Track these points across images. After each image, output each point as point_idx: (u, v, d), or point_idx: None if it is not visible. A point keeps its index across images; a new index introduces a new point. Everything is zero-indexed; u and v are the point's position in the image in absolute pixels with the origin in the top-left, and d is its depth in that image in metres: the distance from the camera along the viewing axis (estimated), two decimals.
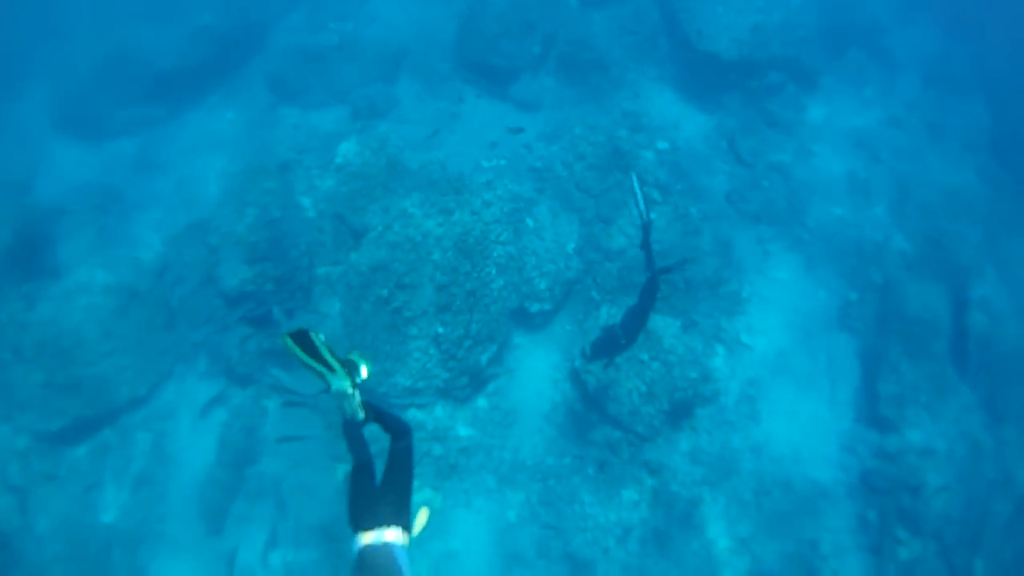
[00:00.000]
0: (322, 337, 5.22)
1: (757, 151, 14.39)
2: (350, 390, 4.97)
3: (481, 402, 11.62)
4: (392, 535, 4.33)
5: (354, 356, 5.32)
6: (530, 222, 12.25)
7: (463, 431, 11.37)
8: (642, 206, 9.11)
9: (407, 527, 4.47)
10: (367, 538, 4.30)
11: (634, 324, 8.96)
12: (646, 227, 9.03)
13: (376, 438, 5.09)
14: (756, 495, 11.55)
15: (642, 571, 10.81)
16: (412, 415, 11.37)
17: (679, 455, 11.51)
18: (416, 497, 5.37)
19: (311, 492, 11.34)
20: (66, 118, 17.51)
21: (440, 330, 10.98)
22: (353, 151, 13.19)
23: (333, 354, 5.11)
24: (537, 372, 11.81)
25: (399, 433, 4.85)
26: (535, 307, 11.84)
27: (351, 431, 4.93)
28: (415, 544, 4.49)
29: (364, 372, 5.28)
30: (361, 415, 5.01)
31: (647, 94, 15.29)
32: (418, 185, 12.27)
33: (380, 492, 4.56)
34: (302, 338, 4.97)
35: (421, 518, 4.79)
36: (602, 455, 11.18)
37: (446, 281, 11.07)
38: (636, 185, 9.14)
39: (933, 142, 15.60)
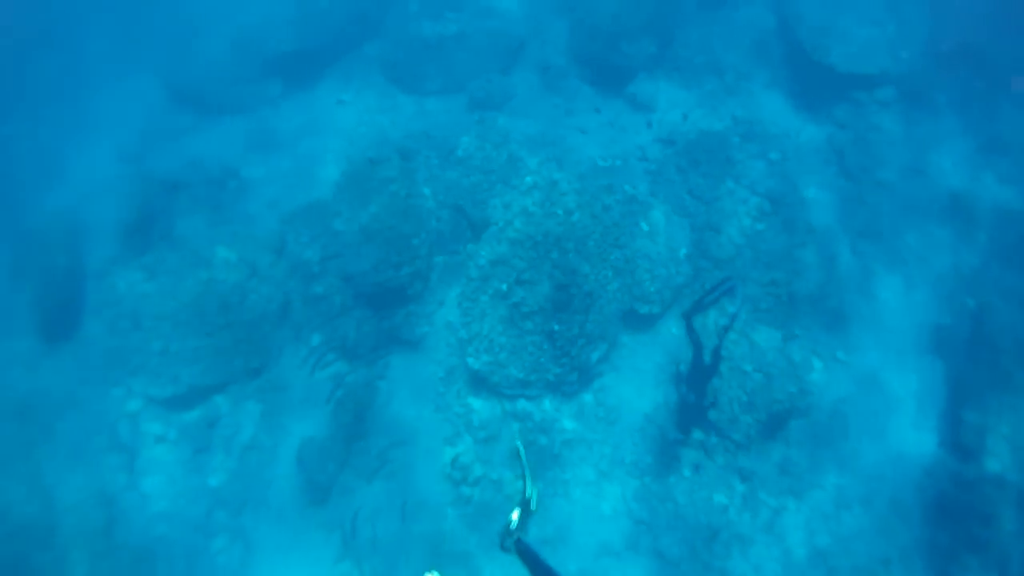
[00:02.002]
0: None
1: (865, 166, 14.49)
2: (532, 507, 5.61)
3: (587, 398, 12.20)
4: None
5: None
6: (644, 226, 12.69)
7: (568, 424, 11.98)
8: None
9: None
10: None
11: (698, 378, 10.20)
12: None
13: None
14: (837, 508, 11.96)
15: (724, 573, 11.36)
16: (521, 406, 11.99)
17: (770, 464, 11.97)
18: None
19: (415, 470, 12.03)
20: (182, 92, 18.17)
21: (556, 327, 11.55)
22: (475, 144, 13.72)
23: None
24: (642, 372, 12.31)
25: None
26: (644, 309, 12.32)
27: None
28: None
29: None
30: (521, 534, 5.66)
31: (759, 101, 15.42)
32: (538, 184, 12.74)
33: None
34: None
35: None
36: (698, 458, 11.68)
37: (565, 281, 11.62)
38: None
39: None
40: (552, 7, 17.32)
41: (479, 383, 12.15)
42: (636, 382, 12.30)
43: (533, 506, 7.11)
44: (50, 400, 12.97)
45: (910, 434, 12.75)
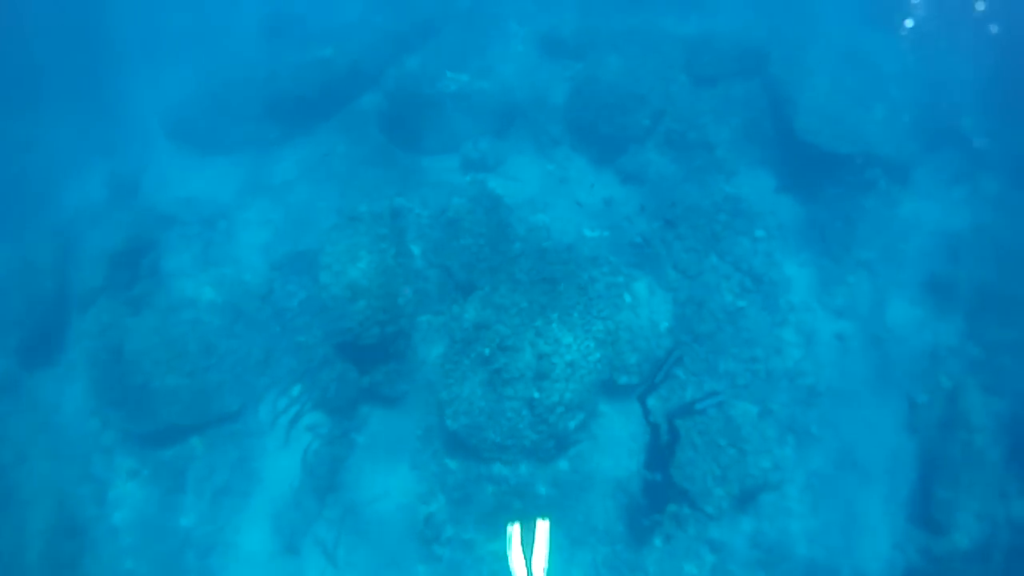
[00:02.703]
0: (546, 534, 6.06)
1: (847, 245, 14.84)
2: None
3: (562, 464, 12.30)
4: None
5: None
6: (628, 297, 12.91)
7: (542, 490, 12.08)
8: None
9: None
10: None
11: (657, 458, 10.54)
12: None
13: None
14: None
15: None
16: (497, 469, 12.12)
17: (741, 536, 12.10)
18: None
19: (388, 525, 12.11)
20: (179, 128, 18.47)
21: (536, 395, 11.74)
22: (465, 207, 14.01)
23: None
24: (618, 441, 12.43)
25: None
26: (623, 379, 12.50)
27: None
28: None
29: None
30: None
31: (747, 178, 15.79)
32: (525, 251, 13.00)
33: None
34: (527, 531, 5.72)
35: None
36: (669, 528, 11.79)
37: (548, 351, 11.83)
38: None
39: (1017, 255, 15.89)
40: (550, 75, 17.73)
41: (456, 444, 12.28)
42: (611, 451, 12.42)
43: None
44: (25, 425, 12.97)
45: (880, 507, 12.92)
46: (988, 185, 16.81)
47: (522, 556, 7.91)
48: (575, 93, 16.57)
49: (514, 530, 8.39)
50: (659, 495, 10.82)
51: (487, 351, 12.09)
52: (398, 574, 11.76)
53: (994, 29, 17.51)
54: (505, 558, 8.58)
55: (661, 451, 10.67)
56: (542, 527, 6.93)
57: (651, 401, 11.05)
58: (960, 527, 12.52)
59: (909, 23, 17.71)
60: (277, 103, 17.83)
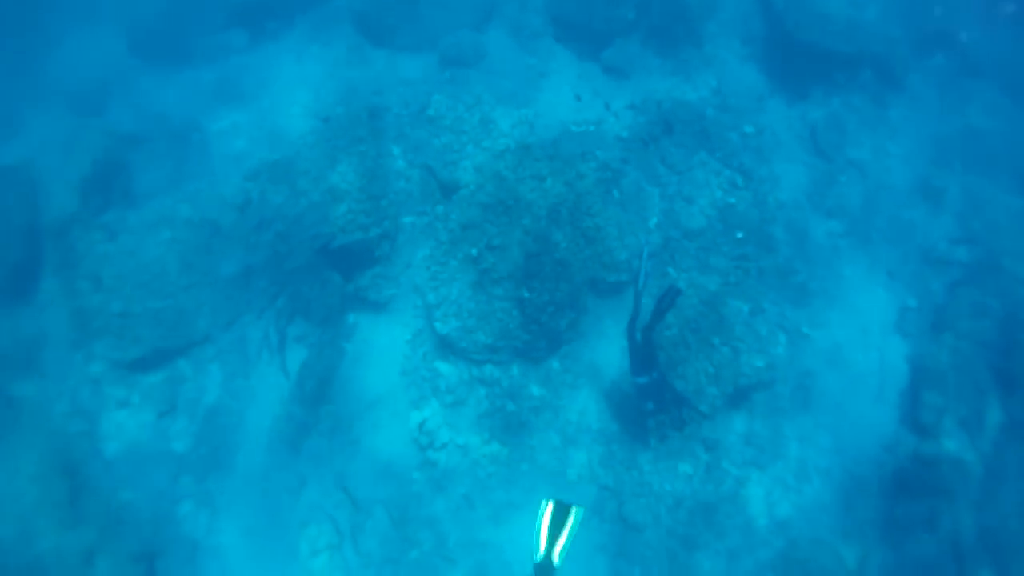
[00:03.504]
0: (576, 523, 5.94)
1: (838, 145, 14.59)
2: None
3: (554, 364, 12.16)
4: None
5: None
6: (616, 193, 12.62)
7: (535, 390, 11.96)
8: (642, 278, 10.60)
9: None
10: None
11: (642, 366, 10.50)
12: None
13: None
14: (798, 480, 12.17)
15: (686, 540, 11.51)
16: (489, 371, 11.94)
17: (734, 435, 12.12)
18: None
19: (382, 433, 11.95)
20: (143, 43, 17.44)
21: (526, 295, 11.48)
22: (446, 104, 13.48)
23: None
24: (609, 339, 12.25)
25: None
26: (612, 277, 12.27)
27: None
28: None
29: None
30: None
31: (737, 75, 15.31)
32: (510, 147, 12.58)
33: None
34: (560, 511, 5.57)
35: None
36: (664, 427, 11.74)
37: (537, 249, 11.53)
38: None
39: (1007, 161, 15.74)
40: None
41: (446, 348, 12.07)
42: (603, 350, 12.27)
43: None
44: (7, 364, 12.55)
45: (871, 410, 12.97)
46: (979, 91, 16.57)
47: (547, 531, 7.84)
48: None
49: (548, 508, 8.29)
50: (652, 395, 10.70)
51: (474, 251, 11.79)
52: (394, 484, 11.67)
53: None
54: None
55: (643, 358, 10.54)
56: (575, 513, 6.94)
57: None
58: (947, 432, 12.61)
59: None
60: (244, 8, 16.97)
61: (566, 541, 7.29)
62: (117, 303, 12.29)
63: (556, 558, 7.50)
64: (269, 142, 14.94)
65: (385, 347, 12.63)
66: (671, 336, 11.87)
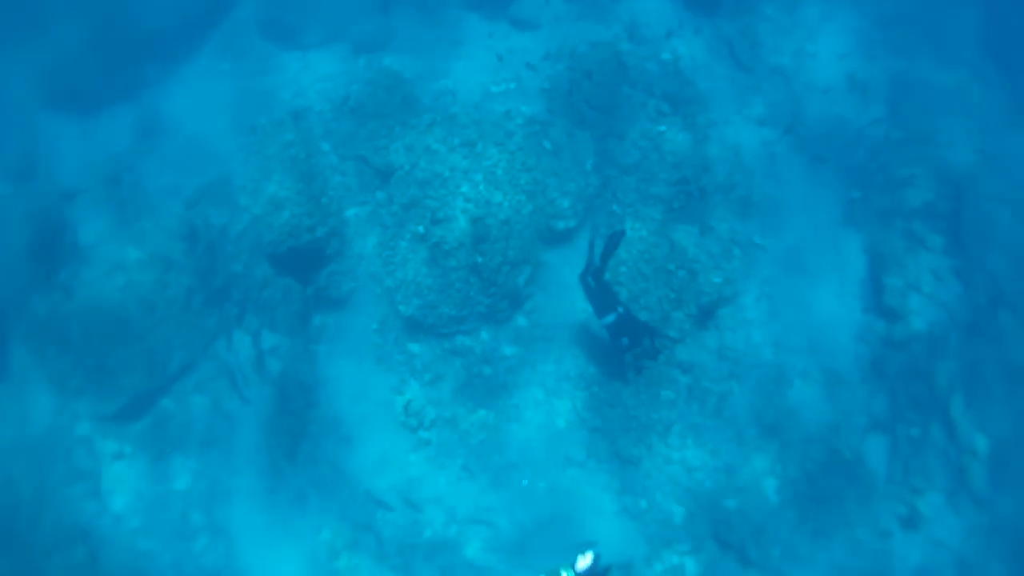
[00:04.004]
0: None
1: (757, 55, 14.75)
2: None
3: (521, 321, 12.32)
4: None
5: None
6: (547, 144, 12.70)
7: (508, 350, 12.12)
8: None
9: None
10: None
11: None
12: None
13: None
14: (779, 386, 12.45)
15: (683, 463, 11.78)
16: (460, 341, 12.07)
17: (708, 353, 12.37)
18: None
19: (372, 425, 12.08)
20: (57, 93, 17.09)
21: (479, 259, 11.60)
22: (366, 92, 13.49)
23: None
24: (569, 287, 12.34)
25: None
26: (560, 225, 12.44)
27: None
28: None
29: None
30: None
31: (646, 5, 15.37)
32: (436, 120, 12.64)
33: None
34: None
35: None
36: (639, 360, 11.94)
37: (480, 213, 11.63)
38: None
39: (926, 40, 15.97)
40: None
41: (414, 327, 12.18)
42: (565, 297, 12.39)
43: None
44: None
45: (836, 305, 13.26)
46: None
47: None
48: None
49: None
50: (623, 330, 10.87)
51: (421, 228, 11.89)
52: (394, 471, 11.81)
53: None
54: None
55: (603, 299, 10.83)
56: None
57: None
58: (914, 311, 12.91)
59: None
60: (150, 40, 16.71)
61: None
62: (89, 359, 12.17)
63: None
64: (202, 166, 14.77)
65: (356, 340, 12.70)
66: (628, 271, 12.05)
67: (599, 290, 10.93)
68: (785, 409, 12.28)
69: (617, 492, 11.69)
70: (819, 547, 11.86)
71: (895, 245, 13.48)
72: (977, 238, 13.79)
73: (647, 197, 12.74)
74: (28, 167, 16.11)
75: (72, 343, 12.21)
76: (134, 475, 12.09)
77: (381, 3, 15.79)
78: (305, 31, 15.92)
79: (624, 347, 11.03)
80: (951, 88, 15.28)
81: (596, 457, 11.77)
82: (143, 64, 16.75)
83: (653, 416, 11.87)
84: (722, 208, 13.02)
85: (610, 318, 10.82)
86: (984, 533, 12.34)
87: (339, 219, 12.79)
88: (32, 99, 17.28)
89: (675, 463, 11.77)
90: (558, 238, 12.61)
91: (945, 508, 12.42)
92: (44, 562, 11.17)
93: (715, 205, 12.97)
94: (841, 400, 12.63)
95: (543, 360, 12.14)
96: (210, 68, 16.63)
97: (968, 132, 15.11)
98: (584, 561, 7.00)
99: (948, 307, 13.37)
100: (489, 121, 12.45)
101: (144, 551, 11.60)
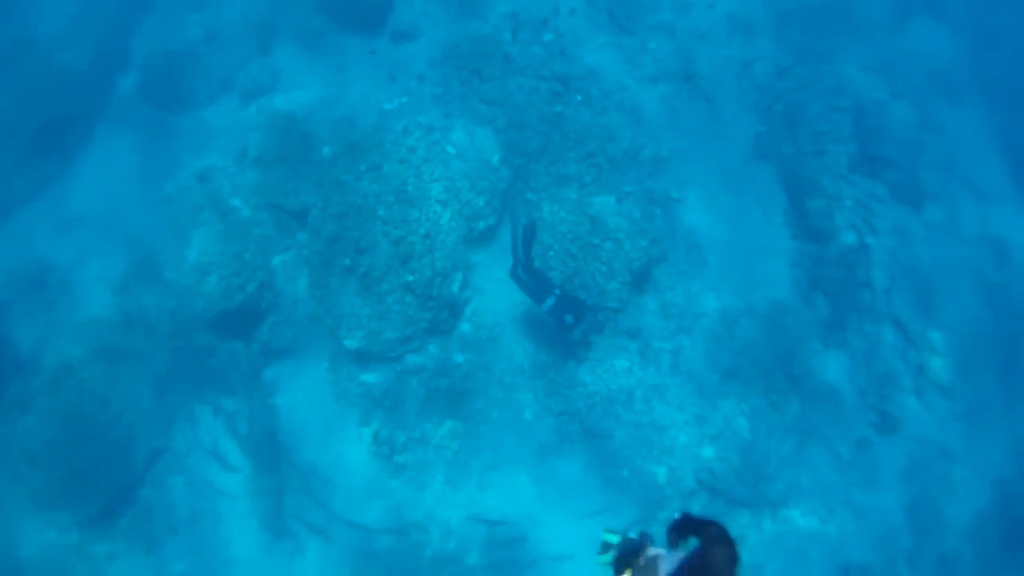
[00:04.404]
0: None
1: (636, 16, 14.92)
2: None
3: (465, 327, 12.42)
4: None
5: None
6: (451, 148, 12.76)
7: (459, 358, 12.22)
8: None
9: None
10: None
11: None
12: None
13: None
14: (727, 328, 12.72)
15: (653, 425, 12.02)
16: (412, 360, 12.14)
17: (651, 315, 12.60)
18: None
19: (347, 463, 12.14)
20: None
21: (410, 278, 11.68)
22: (263, 139, 13.46)
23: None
24: (503, 283, 12.37)
25: None
26: (481, 224, 12.58)
27: None
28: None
29: None
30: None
31: None
32: (337, 151, 12.68)
33: None
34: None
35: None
36: (587, 338, 12.12)
37: (400, 233, 11.71)
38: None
39: None
40: None
41: (364, 358, 12.23)
42: (502, 294, 12.47)
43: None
44: None
45: (765, 238, 13.56)
46: None
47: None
48: None
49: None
50: (565, 310, 11.03)
51: (347, 261, 11.94)
52: (380, 501, 11.89)
53: None
54: None
55: (537, 286, 11.02)
56: None
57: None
58: (841, 226, 13.25)
59: None
60: (43, 133, 16.45)
61: None
62: (59, 469, 12.05)
63: None
64: (122, 249, 14.66)
65: (311, 384, 12.72)
66: (556, 255, 12.21)
67: (532, 279, 11.08)
68: (738, 350, 12.54)
69: (598, 467, 11.91)
70: (803, 471, 12.19)
71: (809, 167, 13.81)
72: (881, 141, 14.18)
73: (559, 178, 12.88)
74: None
75: (39, 457, 12.11)
76: (132, 570, 12.05)
77: (260, 46, 15.71)
78: (192, 90, 15.81)
79: (570, 325, 11.16)
80: (832, 7, 15.63)
81: (569, 439, 11.98)
82: (43, 159, 16.49)
83: (613, 387, 12.07)
84: (633, 172, 13.20)
85: (549, 302, 10.97)
86: (960, 419, 12.80)
87: (266, 271, 12.77)
88: None
89: (645, 427, 12.00)
90: (482, 238, 12.73)
91: (917, 406, 12.80)
92: None
93: (626, 170, 13.14)
94: (789, 327, 12.92)
95: (495, 359, 12.26)
96: (108, 147, 16.39)
97: (854, 44, 15.52)
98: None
99: (873, 214, 13.75)
100: (389, 140, 12.48)
101: None
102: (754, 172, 13.94)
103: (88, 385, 12.51)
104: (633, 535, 4.35)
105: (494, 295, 12.56)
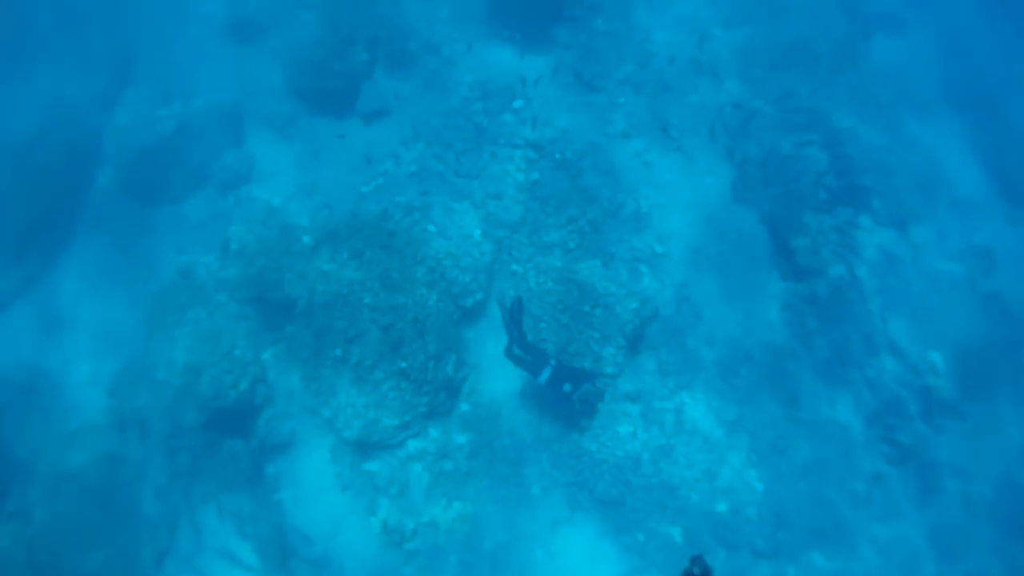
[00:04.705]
0: None
1: (602, 73, 14.99)
2: None
3: (464, 406, 12.29)
4: None
5: None
6: (432, 227, 12.73)
7: (461, 439, 12.08)
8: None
9: None
10: None
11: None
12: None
13: None
14: (727, 380, 12.67)
15: (663, 486, 11.90)
16: (413, 446, 12.01)
17: (649, 375, 12.51)
18: None
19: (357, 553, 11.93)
20: None
21: (403, 364, 11.57)
22: (243, 230, 13.36)
23: None
24: (496, 358, 12.31)
25: None
26: (468, 301, 12.48)
27: None
28: None
29: None
30: None
31: (484, 58, 15.55)
32: (318, 239, 12.61)
33: None
34: None
35: None
36: (587, 406, 12.00)
37: (389, 320, 11.61)
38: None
39: (755, 5, 16.44)
40: (253, 57, 16.80)
41: (364, 447, 12.08)
42: (497, 369, 12.41)
43: None
44: None
45: (754, 282, 13.51)
46: None
47: None
48: (286, 63, 15.68)
49: None
50: (563, 380, 10.98)
51: (338, 351, 11.83)
52: None
53: None
54: None
55: (533, 361, 11.06)
56: None
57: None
58: (829, 261, 13.27)
59: None
60: (23, 234, 16.35)
61: None
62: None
63: None
64: (111, 350, 14.54)
65: (314, 477, 12.51)
66: (548, 326, 12.14)
67: (527, 353, 11.03)
68: (740, 400, 12.52)
69: (613, 535, 11.74)
70: (820, 513, 12.09)
71: (789, 206, 13.83)
72: (857, 169, 14.24)
73: (542, 247, 12.86)
74: None
75: (43, 567, 11.82)
76: None
77: (232, 135, 15.70)
78: (168, 183, 15.72)
79: (568, 393, 11.10)
80: (792, 41, 15.76)
81: (580, 509, 11.82)
82: (26, 260, 16.41)
83: (619, 453, 11.95)
84: (616, 231, 13.20)
85: (545, 374, 10.96)
86: (971, 438, 12.81)
87: (258, 366, 12.62)
88: None
89: (656, 489, 11.87)
90: (471, 314, 12.65)
91: (926, 431, 12.78)
92: None
93: (609, 231, 13.13)
94: (790, 369, 12.88)
95: (497, 436, 12.13)
96: (90, 244, 16.31)
97: (819, 74, 15.63)
98: None
99: (860, 244, 13.76)
100: (369, 225, 12.42)
101: None
102: (735, 217, 13.94)
103: (89, 493, 12.31)
104: None
105: (490, 372, 12.46)
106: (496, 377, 12.40)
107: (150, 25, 17.78)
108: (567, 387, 11.05)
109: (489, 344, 12.48)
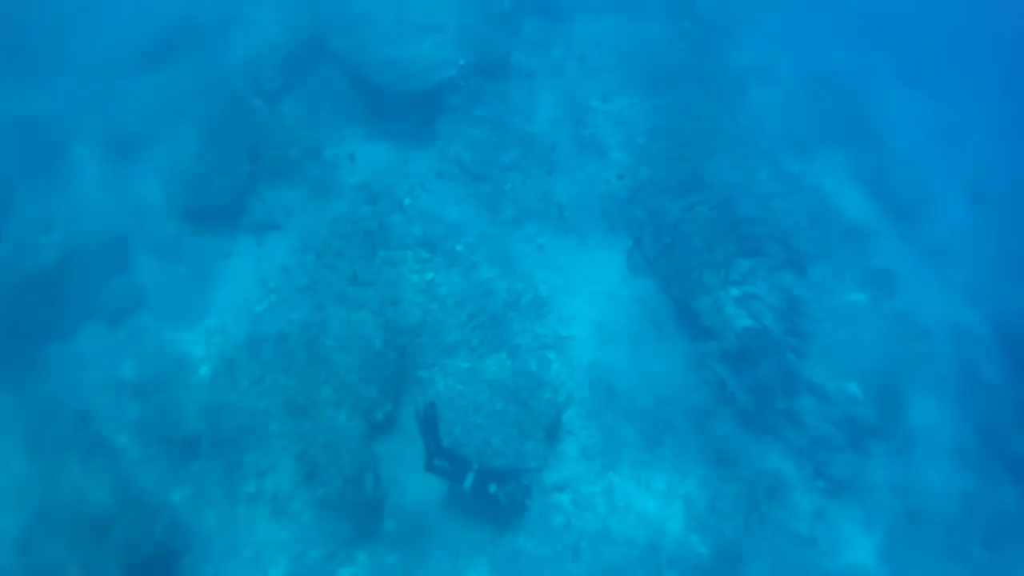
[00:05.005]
0: None
1: (488, 160, 15.10)
2: None
3: (390, 524, 11.80)
4: None
5: None
6: (330, 342, 12.40)
7: (391, 559, 11.49)
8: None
9: None
10: None
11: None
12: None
13: None
14: (652, 451, 12.74)
15: (602, 563, 11.71)
16: (343, 573, 11.52)
17: (573, 462, 12.43)
18: None
19: None
20: None
21: (321, 491, 11.19)
22: (136, 368, 12.88)
23: None
24: (414, 467, 11.74)
25: None
26: (379, 414, 12.14)
27: None
28: None
29: None
30: None
31: (367, 159, 15.47)
32: (216, 369, 12.21)
33: None
34: None
35: None
36: (515, 505, 11.73)
37: (301, 447, 11.25)
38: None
39: (630, 74, 16.83)
40: (136, 179, 16.29)
41: None
42: (418, 481, 11.89)
43: None
44: None
45: (663, 349, 13.62)
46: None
47: None
48: (167, 181, 15.18)
49: None
50: (487, 481, 10.79)
51: (251, 487, 11.39)
52: None
53: None
54: None
55: (454, 469, 10.96)
56: None
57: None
58: (733, 316, 13.49)
59: None
60: None
61: None
62: None
63: None
64: (16, 504, 13.48)
65: None
66: (463, 431, 11.93)
67: (448, 461, 10.83)
68: (668, 469, 12.58)
69: None
70: (768, 562, 12.26)
71: (686, 268, 14.10)
72: (749, 222, 14.60)
73: (446, 348, 12.72)
74: None
75: None
76: None
77: (117, 262, 15.11)
78: (55, 320, 14.90)
79: (494, 494, 10.91)
80: (670, 105, 16.20)
81: None
82: None
83: (557, 546, 11.76)
84: (518, 321, 13.22)
85: (468, 480, 10.75)
86: (900, 452, 13.68)
87: (169, 510, 11.97)
88: None
89: (600, 573, 11.68)
90: (384, 427, 12.33)
91: (857, 459, 13.38)
92: None
93: (510, 322, 13.14)
94: (713, 429, 12.99)
95: (428, 550, 11.75)
96: None
97: (703, 134, 16.06)
98: None
99: (761, 293, 14.05)
100: (266, 347, 12.05)
101: None
102: (635, 288, 14.13)
103: None
104: None
105: (411, 484, 12.10)
106: (418, 488, 12.03)
107: (28, 150, 17.02)
108: (492, 488, 10.85)
109: (407, 455, 12.14)
